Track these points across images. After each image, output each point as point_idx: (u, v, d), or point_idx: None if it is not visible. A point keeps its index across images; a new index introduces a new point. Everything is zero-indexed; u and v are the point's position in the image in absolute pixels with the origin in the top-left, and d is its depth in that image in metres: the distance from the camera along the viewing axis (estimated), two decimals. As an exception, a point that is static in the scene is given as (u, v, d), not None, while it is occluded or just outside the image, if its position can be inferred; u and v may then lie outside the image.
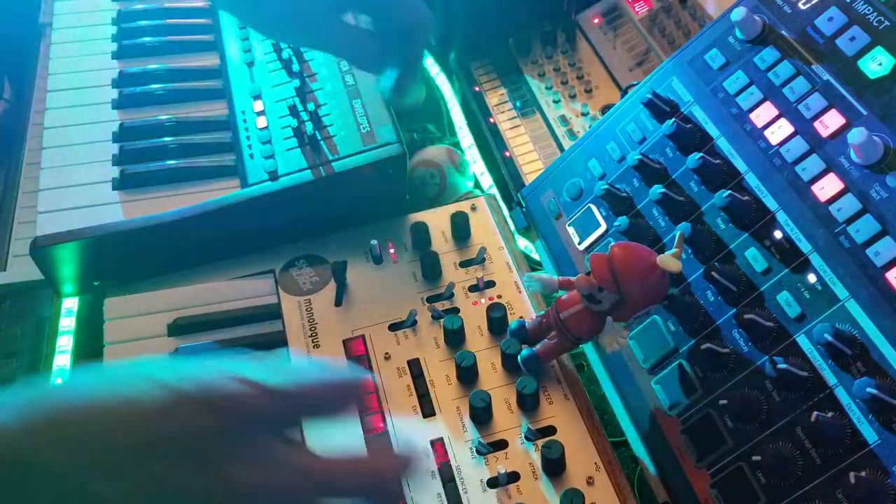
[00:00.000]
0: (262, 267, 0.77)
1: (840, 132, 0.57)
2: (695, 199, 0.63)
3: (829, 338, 0.51)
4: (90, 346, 0.74)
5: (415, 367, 0.68)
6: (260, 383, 0.41)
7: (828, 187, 0.56)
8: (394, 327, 0.71)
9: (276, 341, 0.71)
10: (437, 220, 0.79)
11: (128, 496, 0.38)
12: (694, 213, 0.63)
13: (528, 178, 0.87)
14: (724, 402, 0.54)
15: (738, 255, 0.59)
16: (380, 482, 0.44)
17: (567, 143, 0.89)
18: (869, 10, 0.59)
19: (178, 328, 0.72)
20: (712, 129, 0.65)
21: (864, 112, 0.57)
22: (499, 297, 0.73)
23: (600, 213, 0.70)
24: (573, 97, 0.94)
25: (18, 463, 0.37)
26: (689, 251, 0.61)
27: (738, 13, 0.64)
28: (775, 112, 0.61)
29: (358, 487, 0.43)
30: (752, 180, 0.61)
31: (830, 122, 0.58)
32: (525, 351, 0.63)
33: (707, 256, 0.61)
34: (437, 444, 0.62)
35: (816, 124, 0.59)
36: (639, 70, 0.92)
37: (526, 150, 0.91)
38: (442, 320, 0.69)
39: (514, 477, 0.60)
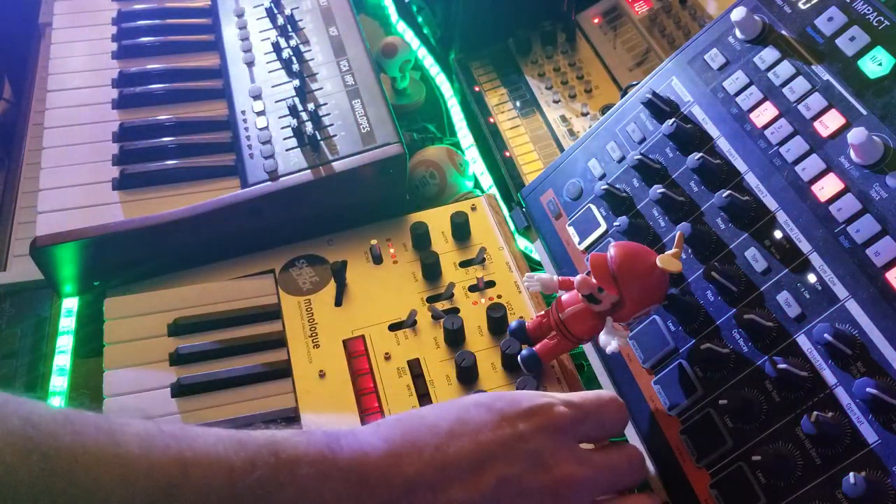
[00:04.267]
0: (262, 267, 0.77)
1: (840, 132, 0.57)
2: (695, 199, 0.63)
3: (829, 338, 0.51)
4: (90, 346, 0.74)
5: (415, 367, 0.68)
6: (560, 397, 0.53)
7: (828, 187, 0.56)
8: (394, 327, 0.71)
9: (276, 341, 0.71)
10: (437, 220, 0.79)
11: (472, 494, 0.47)
12: (694, 213, 0.63)
13: (528, 178, 0.87)
14: (724, 402, 0.54)
15: (738, 255, 0.59)
16: (640, 479, 0.55)
17: (567, 143, 0.89)
18: (869, 10, 0.59)
19: (178, 328, 0.72)
20: (712, 129, 0.65)
21: (864, 112, 0.57)
22: (499, 297, 0.73)
23: (600, 213, 0.70)
24: (573, 97, 0.94)
25: (384, 476, 0.46)
26: (689, 251, 0.61)
27: (738, 13, 0.64)
28: (775, 112, 0.61)
29: (632, 482, 0.54)
30: (752, 180, 0.61)
31: (830, 122, 0.58)
32: (525, 351, 0.63)
33: (707, 256, 0.61)
34: (437, 444, 0.62)
35: (816, 124, 0.59)
36: (639, 70, 0.92)
37: (526, 150, 0.91)
38: (442, 320, 0.69)
39: (514, 477, 0.60)
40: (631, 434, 0.62)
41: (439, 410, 0.52)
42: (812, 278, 0.55)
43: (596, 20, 0.99)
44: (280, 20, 0.91)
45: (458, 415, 0.50)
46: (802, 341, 0.54)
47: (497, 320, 0.69)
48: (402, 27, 1.12)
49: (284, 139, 0.80)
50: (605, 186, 0.68)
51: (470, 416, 0.50)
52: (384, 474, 0.46)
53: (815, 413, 0.50)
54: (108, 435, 0.42)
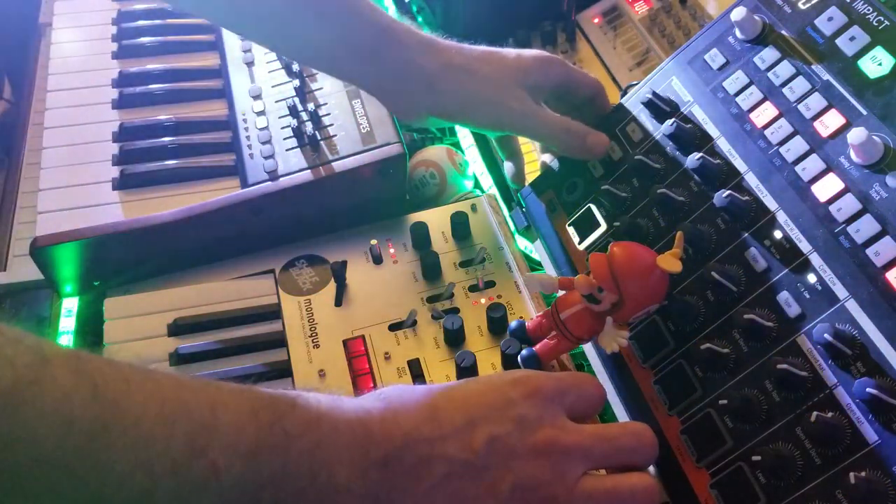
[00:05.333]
0: (262, 267, 0.77)
1: (840, 132, 0.57)
2: (695, 199, 0.63)
3: (829, 338, 0.51)
4: (90, 347, 0.74)
5: (415, 367, 0.68)
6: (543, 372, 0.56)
7: (828, 187, 0.56)
8: (394, 327, 0.71)
9: (276, 341, 0.71)
10: (437, 220, 0.79)
11: (465, 450, 0.49)
12: (694, 213, 0.63)
13: (528, 178, 0.87)
14: (724, 402, 0.54)
15: (738, 255, 0.59)
16: (649, 458, 0.55)
17: (567, 143, 0.88)
18: (869, 10, 0.59)
19: (178, 328, 0.72)
20: (712, 129, 0.65)
21: (864, 112, 0.57)
22: (499, 297, 0.73)
23: (600, 213, 0.70)
24: (573, 97, 0.93)
25: (385, 430, 0.49)
26: (689, 251, 0.61)
27: (738, 13, 0.64)
28: (775, 112, 0.61)
29: (640, 460, 0.54)
30: (752, 180, 0.61)
31: (830, 122, 0.58)
32: (525, 351, 0.63)
33: (707, 256, 0.61)
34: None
35: (816, 124, 0.59)
36: (639, 70, 0.92)
37: (526, 150, 0.91)
38: (442, 320, 0.69)
39: (514, 477, 0.60)
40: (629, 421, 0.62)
41: (430, 385, 0.55)
42: (812, 278, 0.55)
43: (596, 20, 0.99)
44: (280, 20, 0.91)
45: (449, 385, 0.54)
46: (802, 341, 0.54)
47: (497, 320, 0.69)
48: (402, 27, 1.12)
49: (284, 139, 0.80)
50: (606, 186, 0.68)
51: (461, 385, 0.54)
52: (385, 429, 0.49)
53: (815, 413, 0.50)
54: (146, 374, 0.44)
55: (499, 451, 0.49)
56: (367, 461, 0.47)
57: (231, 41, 0.93)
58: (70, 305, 0.77)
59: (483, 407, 0.51)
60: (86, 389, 0.40)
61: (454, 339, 0.69)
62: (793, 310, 0.55)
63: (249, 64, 0.89)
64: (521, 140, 0.91)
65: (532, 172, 0.88)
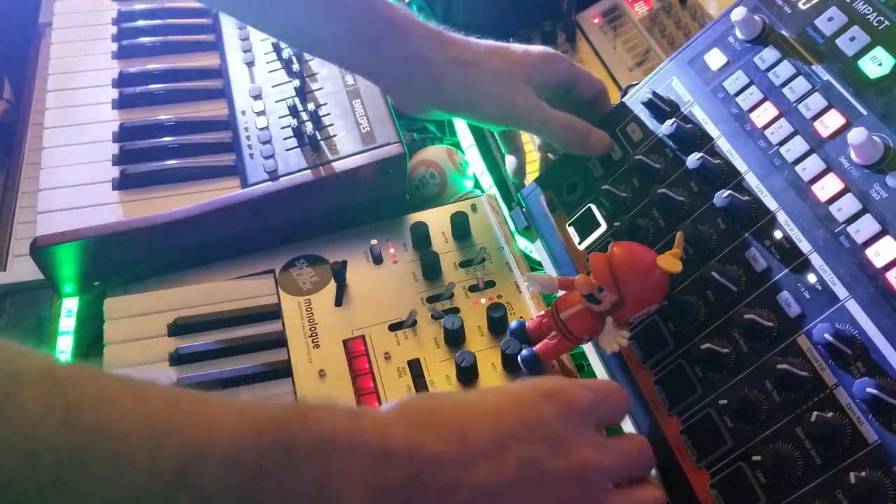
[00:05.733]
0: (262, 267, 0.77)
1: (840, 132, 0.57)
2: (695, 199, 0.63)
3: (829, 338, 0.51)
4: (90, 347, 0.74)
5: (415, 367, 0.68)
6: (576, 381, 0.55)
7: (828, 187, 0.56)
8: (394, 327, 0.71)
9: (276, 341, 0.71)
10: (437, 220, 0.79)
11: (496, 475, 0.46)
12: (694, 213, 0.63)
13: (529, 178, 0.87)
14: (724, 402, 0.54)
15: (738, 255, 0.59)
16: (650, 465, 0.56)
17: (567, 143, 0.88)
18: (869, 10, 0.59)
19: (178, 328, 0.72)
20: (712, 129, 0.65)
21: (864, 112, 0.57)
22: (499, 297, 0.73)
23: (600, 213, 0.70)
24: (573, 97, 0.93)
25: (407, 452, 0.45)
26: (689, 251, 0.61)
27: (738, 13, 0.64)
28: (775, 112, 0.61)
29: (642, 471, 0.55)
30: (752, 180, 0.61)
31: (830, 122, 0.58)
32: (525, 351, 0.63)
33: (707, 256, 0.61)
34: (437, 444, 0.62)
35: (816, 124, 0.59)
36: (639, 70, 0.92)
37: (526, 150, 0.90)
38: (442, 320, 0.69)
39: (514, 477, 0.60)
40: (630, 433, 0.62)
41: (459, 393, 0.52)
42: (812, 278, 0.55)
43: (596, 20, 0.99)
44: (280, 20, 0.91)
45: (479, 397, 0.51)
46: (802, 341, 0.54)
47: (497, 320, 0.69)
48: (402, 27, 1.12)
49: (284, 139, 0.80)
50: (606, 186, 0.68)
51: (490, 398, 0.51)
52: (407, 451, 0.45)
53: (815, 413, 0.50)
54: (133, 392, 0.41)
55: (531, 474, 0.47)
56: (384, 485, 0.44)
57: (231, 41, 0.93)
58: (70, 305, 0.77)
59: (515, 425, 0.48)
60: (58, 414, 0.37)
61: (454, 339, 0.69)
62: (793, 310, 0.55)
63: (249, 64, 0.89)
64: (521, 139, 0.92)
65: (532, 172, 0.88)
